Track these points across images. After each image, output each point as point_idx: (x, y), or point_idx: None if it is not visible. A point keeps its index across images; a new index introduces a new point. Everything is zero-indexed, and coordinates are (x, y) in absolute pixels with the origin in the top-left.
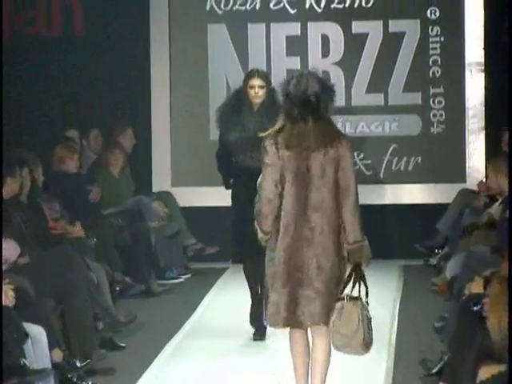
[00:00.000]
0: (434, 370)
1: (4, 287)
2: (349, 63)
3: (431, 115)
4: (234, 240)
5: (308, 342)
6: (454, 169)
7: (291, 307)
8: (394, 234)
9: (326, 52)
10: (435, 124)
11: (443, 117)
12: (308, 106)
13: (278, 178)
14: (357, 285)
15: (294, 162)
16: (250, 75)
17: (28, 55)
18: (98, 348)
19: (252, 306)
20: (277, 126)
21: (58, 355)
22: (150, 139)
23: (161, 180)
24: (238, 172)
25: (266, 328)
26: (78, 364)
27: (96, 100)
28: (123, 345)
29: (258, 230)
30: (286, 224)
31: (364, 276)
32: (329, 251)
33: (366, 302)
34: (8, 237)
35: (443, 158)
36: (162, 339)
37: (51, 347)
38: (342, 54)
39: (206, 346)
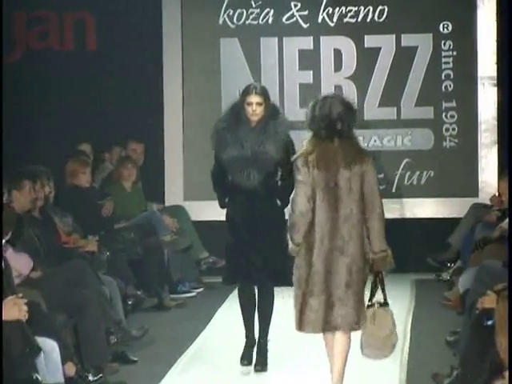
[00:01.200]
0: None
1: (17, 301)
2: (361, 77)
3: (444, 129)
4: (226, 260)
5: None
6: (466, 183)
7: (328, 313)
8: (406, 248)
9: (338, 66)
10: (448, 138)
11: (456, 131)
12: (333, 127)
13: (310, 194)
14: (378, 291)
15: (324, 179)
16: (246, 91)
17: (40, 70)
18: (110, 362)
19: (248, 339)
20: (307, 147)
21: (71, 369)
22: (162, 153)
23: (173, 194)
24: (234, 191)
25: (267, 358)
26: (91, 378)
27: (108, 115)
28: (135, 359)
29: (290, 242)
30: (320, 236)
31: (384, 283)
32: (358, 259)
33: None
34: (21, 250)
35: (456, 173)
36: (174, 353)
37: (64, 361)
38: (354, 68)
39: (218, 360)
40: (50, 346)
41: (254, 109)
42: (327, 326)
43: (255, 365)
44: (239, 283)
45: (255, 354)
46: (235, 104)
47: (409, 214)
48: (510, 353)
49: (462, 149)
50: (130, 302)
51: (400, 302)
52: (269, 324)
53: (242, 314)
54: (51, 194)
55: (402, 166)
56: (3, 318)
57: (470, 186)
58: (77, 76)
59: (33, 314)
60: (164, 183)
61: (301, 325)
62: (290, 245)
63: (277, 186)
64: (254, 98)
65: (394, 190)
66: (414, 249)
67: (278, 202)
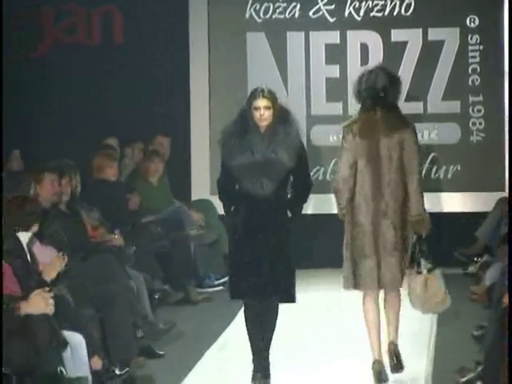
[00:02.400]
0: (464, 379)
1: (44, 295)
2: None
3: (470, 123)
4: (232, 273)
5: (378, 307)
6: (493, 177)
7: (375, 273)
8: (432, 243)
9: (365, 60)
10: (474, 132)
11: (482, 125)
12: (377, 98)
13: (352, 161)
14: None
15: (366, 146)
16: (253, 95)
17: (67, 64)
18: (137, 356)
19: (254, 356)
20: (354, 117)
21: (97, 363)
22: (189, 148)
23: (200, 188)
24: (242, 200)
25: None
26: (117, 372)
27: (135, 109)
28: (162, 353)
29: (337, 206)
30: (364, 200)
31: (425, 246)
32: (399, 223)
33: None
34: (47, 244)
35: (482, 167)
36: (200, 347)
37: (90, 355)
38: (381, 62)
39: (244, 353)
40: (76, 340)
41: (262, 113)
42: (376, 285)
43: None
44: (246, 299)
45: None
46: (243, 109)
47: (435, 209)
48: (510, 352)
49: (489, 143)
50: (156, 296)
51: None
52: (271, 339)
53: (249, 332)
54: (77, 188)
55: (428, 160)
56: (30, 311)
57: (496, 180)
58: (103, 70)
59: (59, 307)
60: (190, 177)
61: (354, 284)
62: (337, 209)
63: (290, 195)
64: (262, 102)
65: None
66: (441, 243)
67: (289, 214)
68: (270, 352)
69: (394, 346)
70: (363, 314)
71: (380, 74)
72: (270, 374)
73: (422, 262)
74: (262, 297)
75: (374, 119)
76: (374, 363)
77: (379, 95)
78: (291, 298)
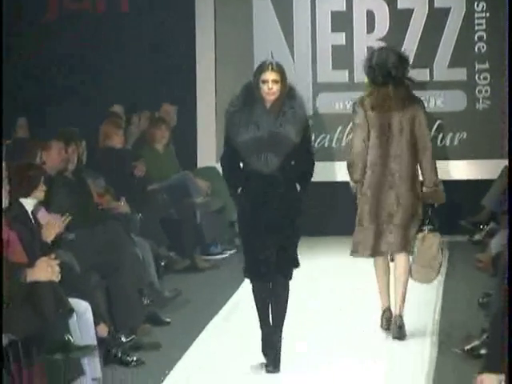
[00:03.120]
0: (469, 346)
1: (50, 262)
2: (394, 39)
3: (476, 91)
4: (246, 253)
5: (388, 266)
6: (499, 145)
7: (376, 239)
8: (438, 210)
9: (371, 28)
10: (481, 100)
11: (488, 93)
12: (388, 74)
13: (365, 135)
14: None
15: (378, 120)
16: (262, 68)
17: (73, 31)
18: (142, 323)
19: (264, 334)
20: (365, 92)
21: (103, 330)
22: (195, 115)
23: (206, 155)
24: (249, 178)
25: (279, 357)
26: (124, 339)
27: (142, 77)
28: (168, 320)
29: (350, 180)
30: (372, 171)
31: (435, 216)
32: (406, 193)
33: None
34: (53, 211)
35: (488, 134)
36: (207, 314)
37: (96, 322)
38: (387, 29)
39: (250, 320)
40: (82, 308)
41: (271, 87)
42: (375, 252)
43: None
44: (254, 280)
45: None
46: (248, 83)
47: (441, 176)
48: (509, 350)
49: (495, 110)
50: (162, 264)
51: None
52: (283, 320)
53: (259, 315)
54: (84, 156)
55: (434, 127)
56: (36, 279)
57: (502, 147)
58: (110, 38)
59: (65, 275)
60: (197, 145)
61: (352, 250)
62: (351, 183)
63: (296, 168)
64: (270, 75)
65: None
66: (447, 210)
67: (298, 187)
68: (282, 334)
69: (399, 317)
70: (375, 272)
71: (390, 53)
72: (279, 361)
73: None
74: (271, 277)
75: (387, 94)
76: (383, 312)
77: (390, 72)
78: (290, 274)
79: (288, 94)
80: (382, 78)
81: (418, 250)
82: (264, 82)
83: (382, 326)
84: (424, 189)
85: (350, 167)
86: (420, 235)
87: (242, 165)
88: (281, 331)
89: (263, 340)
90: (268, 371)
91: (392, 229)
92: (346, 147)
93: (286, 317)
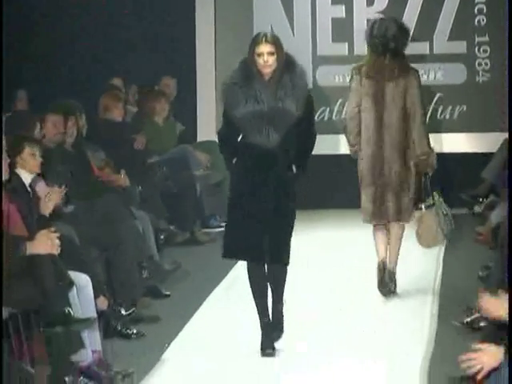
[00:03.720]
0: (469, 319)
1: (49, 235)
2: (393, 12)
3: (476, 64)
4: (228, 231)
5: (386, 233)
6: (499, 118)
7: (376, 206)
8: (438, 182)
9: (370, 0)
10: (480, 73)
11: (488, 65)
12: (387, 45)
13: (358, 100)
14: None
15: (372, 88)
16: (256, 41)
17: (74, 5)
18: (142, 296)
19: (264, 325)
20: (364, 60)
21: (103, 303)
22: (194, 89)
23: (206, 129)
24: (245, 151)
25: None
26: (123, 312)
27: (141, 50)
28: (168, 293)
29: (348, 145)
30: (367, 137)
31: (429, 185)
32: (398, 160)
33: (439, 201)
34: (52, 184)
35: (488, 107)
36: (206, 287)
37: (96, 295)
38: (386, 2)
39: (249, 293)
40: (82, 280)
41: (266, 59)
42: (375, 219)
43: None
44: (248, 263)
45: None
46: (245, 58)
47: (441, 149)
48: (509, 348)
49: (495, 83)
50: (162, 237)
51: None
52: (282, 293)
53: (254, 297)
54: (83, 129)
55: (434, 100)
56: (36, 252)
57: (502, 120)
58: (109, 11)
59: (65, 248)
60: (196, 119)
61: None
62: (348, 146)
63: (295, 148)
64: (265, 48)
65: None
66: (447, 183)
67: (294, 169)
68: (283, 315)
69: (392, 274)
70: (373, 237)
71: (391, 24)
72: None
73: (426, 199)
74: (256, 259)
75: (383, 64)
76: (379, 264)
77: (389, 43)
78: (285, 261)
79: (286, 65)
80: (381, 48)
81: (418, 231)
82: (259, 55)
83: (378, 276)
84: (415, 158)
85: (346, 131)
86: (418, 214)
87: (240, 139)
88: (281, 300)
89: (265, 333)
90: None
91: (390, 195)
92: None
93: (286, 316)
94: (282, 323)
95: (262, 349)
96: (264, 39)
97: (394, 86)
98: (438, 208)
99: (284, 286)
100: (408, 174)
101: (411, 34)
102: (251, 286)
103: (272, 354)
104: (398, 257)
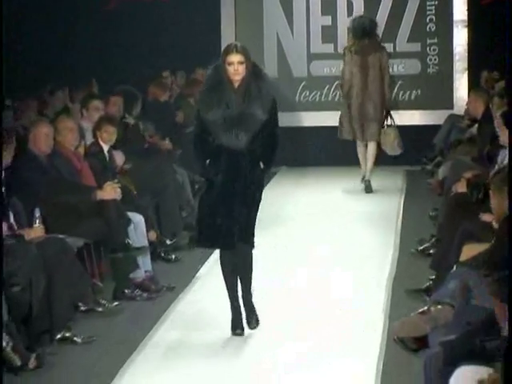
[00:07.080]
0: (422, 247)
1: (113, 185)
2: None
3: (428, 59)
4: (202, 222)
5: (365, 148)
6: (445, 99)
7: (361, 130)
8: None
9: (350, 12)
10: (431, 66)
11: (437, 60)
12: (365, 32)
13: (350, 69)
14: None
15: (359, 60)
16: (227, 51)
17: (135, 16)
18: (182, 230)
19: (234, 308)
20: (350, 43)
21: (153, 236)
22: None
23: None
24: (217, 152)
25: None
26: (168, 242)
27: (182, 46)
28: None
29: (341, 93)
30: (356, 91)
31: (390, 118)
32: (379, 103)
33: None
34: (116, 148)
35: (437, 91)
36: None
37: (148, 230)
38: (362, 11)
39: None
40: (137, 219)
41: (236, 68)
42: (358, 136)
43: (248, 324)
44: (220, 251)
45: (244, 314)
46: (217, 65)
47: (402, 122)
48: (509, 346)
49: (442, 73)
50: (196, 187)
51: (395, 187)
52: (251, 281)
53: (226, 283)
54: (139, 107)
55: (396, 86)
56: (103, 197)
57: (447, 100)
58: (149, 8)
59: (125, 195)
60: None
61: (340, 133)
62: (342, 95)
63: (262, 148)
64: (235, 57)
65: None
66: (406, 147)
67: (261, 166)
68: (252, 297)
69: (368, 180)
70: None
71: (366, 19)
72: (258, 320)
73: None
74: (227, 246)
75: (364, 44)
76: (362, 178)
77: (366, 29)
78: (252, 243)
79: (254, 73)
80: (360, 33)
81: (383, 141)
82: (230, 63)
83: (364, 188)
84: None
85: (341, 86)
86: (382, 130)
87: (211, 140)
88: (250, 290)
89: (235, 316)
90: (252, 328)
91: (370, 124)
92: (332, 101)
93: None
94: (256, 313)
95: (232, 329)
96: (235, 49)
97: (372, 58)
98: (394, 127)
99: (251, 278)
100: (381, 109)
101: (380, 36)
102: (223, 276)
103: (241, 334)
104: (372, 166)
